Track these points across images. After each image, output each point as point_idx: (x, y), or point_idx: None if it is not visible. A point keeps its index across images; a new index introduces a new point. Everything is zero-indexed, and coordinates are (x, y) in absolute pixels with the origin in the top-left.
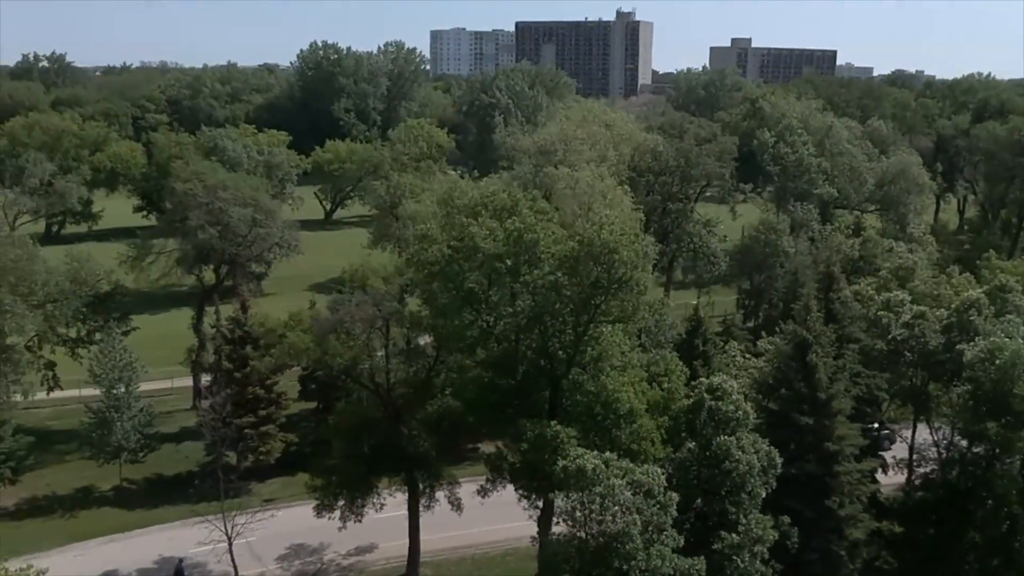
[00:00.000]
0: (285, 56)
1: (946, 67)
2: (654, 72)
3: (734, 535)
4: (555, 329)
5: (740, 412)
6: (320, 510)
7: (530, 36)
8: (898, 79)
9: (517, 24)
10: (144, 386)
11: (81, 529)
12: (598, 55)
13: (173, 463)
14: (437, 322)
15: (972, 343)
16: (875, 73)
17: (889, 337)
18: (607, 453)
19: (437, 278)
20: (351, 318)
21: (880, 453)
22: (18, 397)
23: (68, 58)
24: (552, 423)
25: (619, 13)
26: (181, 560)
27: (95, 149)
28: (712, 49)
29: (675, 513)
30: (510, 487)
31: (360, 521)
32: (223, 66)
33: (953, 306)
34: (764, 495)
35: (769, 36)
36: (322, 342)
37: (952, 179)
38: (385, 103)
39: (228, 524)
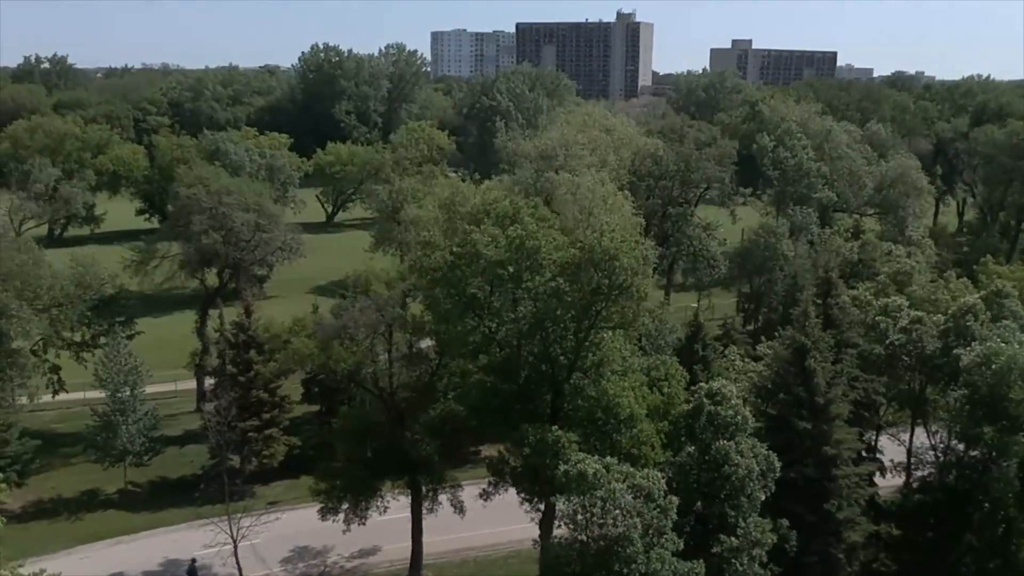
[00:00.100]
0: (286, 58)
1: (946, 67)
2: (654, 73)
3: (733, 538)
4: (556, 335)
5: (739, 417)
6: (324, 513)
7: (531, 37)
8: (898, 81)
9: (518, 25)
10: (148, 389)
11: (87, 532)
12: (599, 56)
13: (177, 466)
14: (440, 327)
15: (969, 348)
16: (875, 74)
17: (887, 342)
18: (608, 457)
19: (440, 284)
20: (355, 323)
21: (878, 456)
22: (23, 400)
23: (69, 59)
24: (553, 427)
25: (619, 14)
26: (193, 560)
27: (97, 152)
28: (712, 51)
29: (675, 517)
30: (512, 490)
31: (364, 524)
32: (224, 68)
33: (950, 311)
34: (763, 499)
35: (769, 37)
36: (326, 347)
37: (951, 182)
38: (386, 105)
39: (233, 527)
